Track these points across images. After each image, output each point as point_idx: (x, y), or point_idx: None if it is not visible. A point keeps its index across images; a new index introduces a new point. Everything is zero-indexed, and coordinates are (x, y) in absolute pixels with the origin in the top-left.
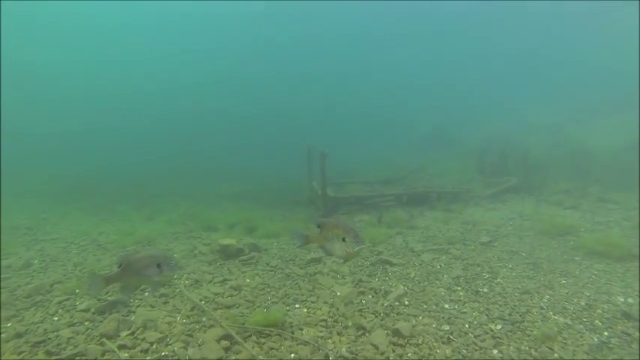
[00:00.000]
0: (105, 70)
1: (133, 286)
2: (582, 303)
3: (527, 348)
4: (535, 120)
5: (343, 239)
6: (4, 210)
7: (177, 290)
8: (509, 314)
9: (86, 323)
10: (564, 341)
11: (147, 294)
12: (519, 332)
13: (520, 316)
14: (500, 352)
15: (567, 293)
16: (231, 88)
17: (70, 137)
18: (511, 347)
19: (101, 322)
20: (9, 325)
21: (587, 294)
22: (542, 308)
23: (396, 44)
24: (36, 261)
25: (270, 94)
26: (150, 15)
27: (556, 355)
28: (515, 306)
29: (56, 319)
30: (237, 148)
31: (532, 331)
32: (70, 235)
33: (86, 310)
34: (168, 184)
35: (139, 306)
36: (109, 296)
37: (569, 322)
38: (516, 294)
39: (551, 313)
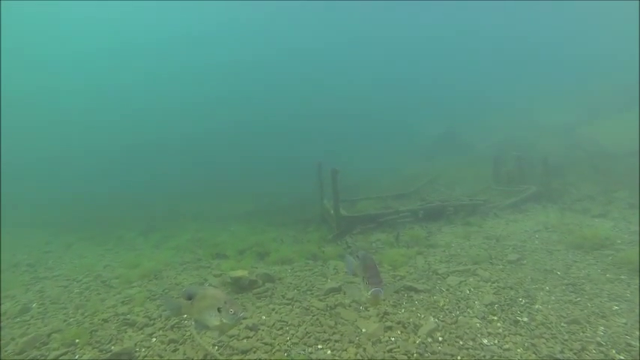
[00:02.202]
0: (104, 91)
1: (202, 322)
2: None
3: None
4: (544, 121)
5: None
6: (6, 243)
7: (188, 334)
8: (561, 352)
9: None
10: None
11: (154, 340)
12: None
13: (575, 354)
14: None
15: (626, 323)
16: (232, 103)
17: (75, 161)
18: None
19: None
20: None
21: None
22: (600, 345)
23: (397, 47)
24: (34, 304)
25: (272, 105)
26: (149, 33)
27: None
28: (566, 341)
29: None
30: (245, 164)
31: None
32: (73, 270)
33: None
34: (177, 204)
35: (145, 356)
36: (113, 345)
37: None
38: (563, 324)
39: (614, 351)
